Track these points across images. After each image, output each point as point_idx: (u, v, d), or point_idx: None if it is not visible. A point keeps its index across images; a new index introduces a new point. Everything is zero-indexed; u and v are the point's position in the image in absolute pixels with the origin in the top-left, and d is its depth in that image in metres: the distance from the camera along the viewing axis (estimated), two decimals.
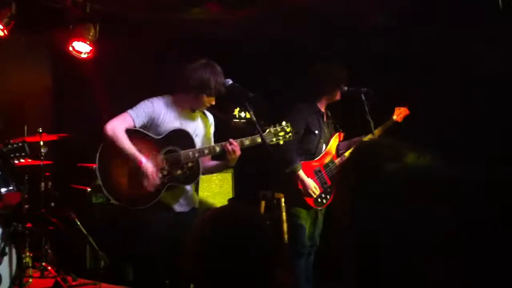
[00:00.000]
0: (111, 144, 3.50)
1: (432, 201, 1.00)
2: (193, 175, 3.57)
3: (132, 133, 3.53)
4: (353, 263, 1.05)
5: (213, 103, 3.62)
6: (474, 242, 0.88)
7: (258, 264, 1.37)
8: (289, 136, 3.63)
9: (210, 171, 3.89)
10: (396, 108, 4.53)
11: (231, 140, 3.49)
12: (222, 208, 1.57)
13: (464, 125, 4.51)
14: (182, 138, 3.54)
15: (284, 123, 3.64)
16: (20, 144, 3.84)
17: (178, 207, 3.65)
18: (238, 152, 3.49)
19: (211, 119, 3.86)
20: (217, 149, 3.51)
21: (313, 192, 4.13)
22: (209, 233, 1.42)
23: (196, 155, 3.50)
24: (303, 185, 4.12)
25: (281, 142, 3.61)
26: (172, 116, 3.62)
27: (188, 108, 3.68)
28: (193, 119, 3.72)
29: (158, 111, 3.59)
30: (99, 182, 3.54)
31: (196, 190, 3.87)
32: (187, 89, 3.57)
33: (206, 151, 3.52)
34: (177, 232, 3.47)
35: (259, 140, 3.49)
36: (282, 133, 3.60)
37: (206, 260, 1.38)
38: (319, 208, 4.27)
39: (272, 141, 3.56)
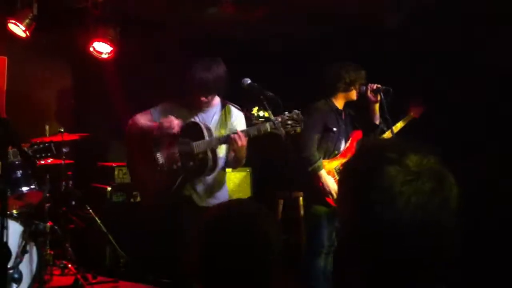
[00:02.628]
0: (132, 133, 3.71)
1: (434, 204, 0.98)
2: (203, 166, 3.57)
3: None
4: (357, 265, 1.04)
5: (204, 99, 3.57)
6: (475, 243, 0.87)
7: (260, 262, 1.36)
8: (299, 126, 3.45)
9: (229, 164, 3.82)
10: (411, 106, 4.56)
11: (238, 130, 3.48)
12: (225, 204, 1.55)
13: (477, 125, 4.48)
14: (194, 130, 3.55)
15: (295, 111, 3.46)
16: (46, 144, 3.89)
17: (200, 201, 3.66)
18: (242, 142, 3.42)
19: (236, 115, 3.78)
20: (223, 139, 3.52)
21: (332, 196, 4.11)
22: (210, 229, 1.42)
23: (205, 145, 3.51)
24: (324, 185, 4.09)
25: (293, 132, 3.45)
26: (186, 113, 3.68)
27: (194, 107, 3.69)
28: (208, 115, 3.72)
29: (175, 110, 3.67)
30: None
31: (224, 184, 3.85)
32: (182, 90, 3.68)
33: (214, 142, 3.52)
34: (191, 223, 3.51)
35: (266, 128, 3.42)
36: (290, 122, 3.44)
37: (207, 257, 1.37)
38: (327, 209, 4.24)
39: (281, 131, 3.41)
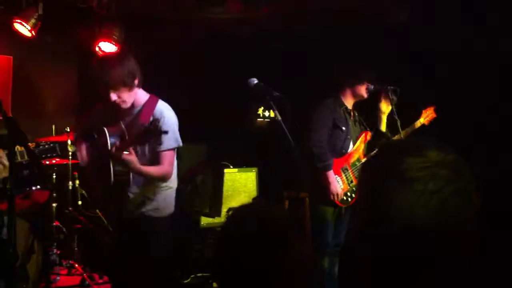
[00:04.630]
0: None
1: (450, 190, 0.98)
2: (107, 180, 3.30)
3: None
4: (367, 264, 1.04)
5: (115, 99, 3.22)
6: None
7: (280, 263, 1.35)
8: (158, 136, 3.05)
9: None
10: (423, 111, 4.47)
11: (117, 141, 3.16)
12: (246, 206, 1.55)
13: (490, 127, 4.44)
14: (103, 143, 3.25)
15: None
16: (51, 144, 3.89)
17: (124, 213, 3.41)
18: (120, 154, 3.10)
19: (160, 116, 3.29)
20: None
21: (337, 196, 4.10)
22: (230, 231, 1.42)
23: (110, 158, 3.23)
24: (331, 185, 4.09)
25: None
26: (113, 118, 3.39)
27: (118, 110, 3.35)
28: (133, 118, 3.37)
29: (103, 116, 3.47)
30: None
31: (153, 194, 3.42)
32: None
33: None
34: (124, 239, 3.45)
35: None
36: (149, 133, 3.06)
37: (228, 258, 1.37)
38: (344, 206, 4.24)
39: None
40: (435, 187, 0.97)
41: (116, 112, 3.35)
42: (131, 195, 3.37)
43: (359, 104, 4.42)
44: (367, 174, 1.10)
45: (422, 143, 1.05)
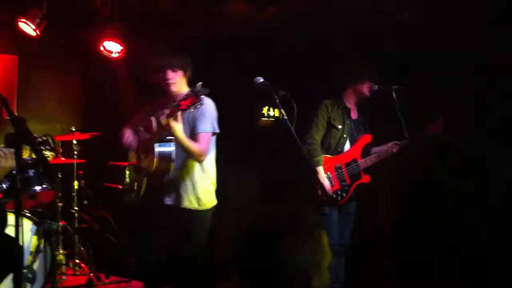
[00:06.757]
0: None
1: (468, 188, 0.97)
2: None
3: None
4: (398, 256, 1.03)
5: (168, 75, 3.65)
6: None
7: (299, 265, 1.36)
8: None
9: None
10: (430, 123, 4.38)
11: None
12: (266, 206, 1.56)
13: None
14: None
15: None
16: (44, 137, 3.89)
17: (167, 201, 3.67)
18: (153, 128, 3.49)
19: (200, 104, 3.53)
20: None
21: (324, 192, 4.05)
22: (250, 232, 1.42)
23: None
24: (319, 181, 4.07)
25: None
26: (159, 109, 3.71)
27: (168, 101, 3.69)
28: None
29: (153, 112, 3.74)
30: None
31: (194, 190, 3.69)
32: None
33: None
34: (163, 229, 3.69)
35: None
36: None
37: (247, 258, 1.38)
38: (330, 205, 4.18)
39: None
40: (452, 183, 0.95)
41: (161, 105, 3.68)
42: (171, 184, 3.64)
43: (363, 106, 4.40)
44: (396, 168, 1.07)
45: (455, 141, 1.03)
